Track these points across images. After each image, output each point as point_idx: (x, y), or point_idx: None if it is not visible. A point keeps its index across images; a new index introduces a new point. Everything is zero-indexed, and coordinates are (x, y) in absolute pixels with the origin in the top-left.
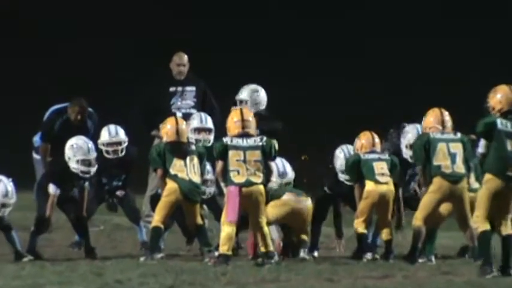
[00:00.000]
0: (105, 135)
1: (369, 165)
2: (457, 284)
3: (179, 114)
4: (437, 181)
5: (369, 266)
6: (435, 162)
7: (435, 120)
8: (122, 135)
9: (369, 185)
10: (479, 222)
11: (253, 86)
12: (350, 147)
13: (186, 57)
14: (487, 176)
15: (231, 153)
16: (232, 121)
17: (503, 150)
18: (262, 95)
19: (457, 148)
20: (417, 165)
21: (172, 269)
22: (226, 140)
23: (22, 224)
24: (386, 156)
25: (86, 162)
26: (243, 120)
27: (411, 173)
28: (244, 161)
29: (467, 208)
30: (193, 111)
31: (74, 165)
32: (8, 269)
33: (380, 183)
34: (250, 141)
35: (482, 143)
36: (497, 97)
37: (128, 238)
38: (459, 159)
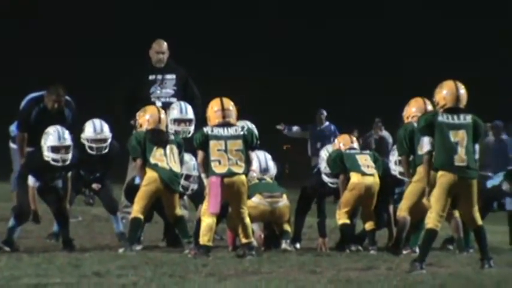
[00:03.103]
0: (89, 131)
1: (352, 158)
2: (442, 275)
3: (159, 104)
4: (421, 170)
5: (353, 257)
6: (420, 152)
7: (418, 110)
8: (107, 131)
9: (355, 177)
10: (431, 219)
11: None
12: None
13: (165, 44)
14: (439, 173)
15: (212, 143)
16: (213, 110)
17: (447, 142)
18: None
19: None
20: (400, 156)
21: (152, 261)
22: (207, 129)
23: None
24: (367, 151)
25: (56, 150)
26: (223, 109)
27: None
28: (226, 151)
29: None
30: (173, 100)
31: (45, 153)
32: None
33: (366, 175)
34: (231, 131)
35: (426, 140)
36: (442, 93)
37: (106, 229)
38: None
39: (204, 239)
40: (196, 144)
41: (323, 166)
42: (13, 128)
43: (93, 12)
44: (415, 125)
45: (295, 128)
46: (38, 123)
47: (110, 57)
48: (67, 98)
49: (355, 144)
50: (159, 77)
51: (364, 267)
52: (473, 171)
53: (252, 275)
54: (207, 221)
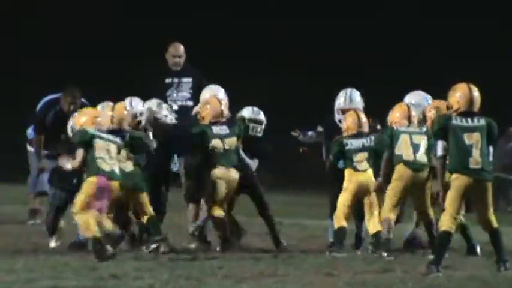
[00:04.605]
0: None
1: (349, 155)
2: (458, 278)
3: (175, 107)
4: (399, 169)
5: (369, 260)
6: (397, 152)
7: (401, 116)
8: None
9: (347, 172)
10: (445, 221)
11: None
12: None
13: (182, 47)
14: (454, 175)
15: (97, 142)
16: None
17: (462, 145)
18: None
19: (421, 140)
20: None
21: (168, 264)
22: (91, 130)
23: (14, 217)
24: (370, 142)
25: None
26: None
27: None
28: (109, 151)
29: (428, 199)
30: (189, 103)
31: None
32: (2, 263)
33: (358, 171)
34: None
35: (440, 144)
36: (456, 96)
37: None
38: (423, 149)
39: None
40: (78, 141)
41: None
42: (30, 131)
43: (93, 12)
44: (395, 128)
45: (310, 133)
46: (53, 126)
47: (110, 57)
48: (83, 100)
49: (364, 127)
50: (176, 80)
51: (380, 270)
52: (488, 173)
53: (268, 278)
54: (85, 217)
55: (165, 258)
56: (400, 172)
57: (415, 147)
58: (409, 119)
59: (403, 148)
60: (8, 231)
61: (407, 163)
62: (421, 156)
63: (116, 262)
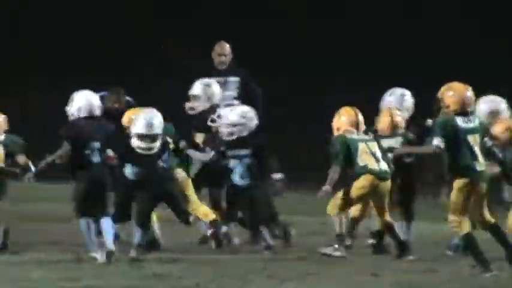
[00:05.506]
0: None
1: None
2: (505, 279)
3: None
4: (369, 178)
5: (414, 260)
6: (361, 163)
7: (348, 122)
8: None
9: None
10: (454, 223)
11: (206, 81)
12: None
13: (227, 46)
14: (460, 180)
15: None
16: None
17: (468, 147)
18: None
19: (375, 147)
20: (335, 166)
21: (212, 263)
22: None
23: (58, 215)
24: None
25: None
26: None
27: None
28: None
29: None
30: (235, 102)
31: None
32: (44, 261)
33: None
34: None
35: (437, 139)
36: (452, 96)
37: (168, 233)
38: (380, 157)
39: None
40: None
41: None
42: None
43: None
44: (348, 136)
45: None
46: None
47: (110, 57)
48: (128, 98)
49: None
50: (221, 79)
51: (426, 270)
52: (487, 174)
53: (312, 277)
54: None
55: (207, 258)
56: (366, 181)
57: (375, 156)
58: (357, 125)
59: (365, 159)
60: (53, 230)
61: (374, 173)
62: (383, 165)
63: (161, 262)
